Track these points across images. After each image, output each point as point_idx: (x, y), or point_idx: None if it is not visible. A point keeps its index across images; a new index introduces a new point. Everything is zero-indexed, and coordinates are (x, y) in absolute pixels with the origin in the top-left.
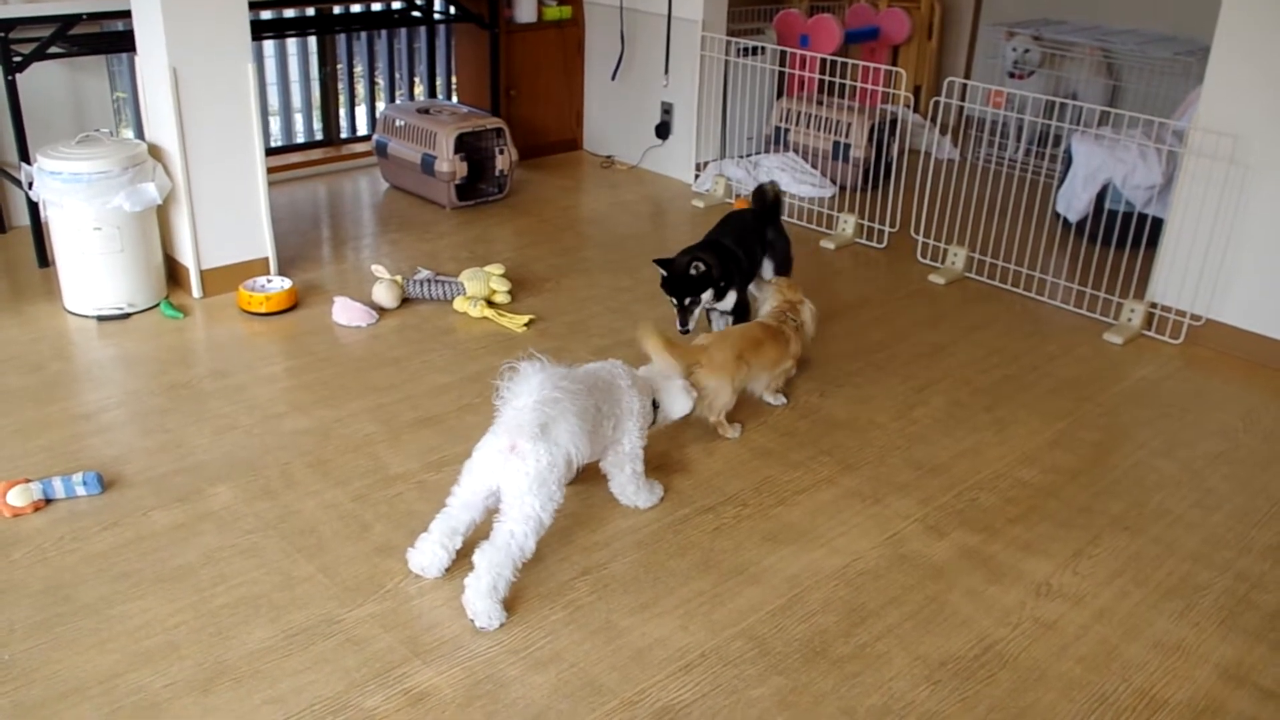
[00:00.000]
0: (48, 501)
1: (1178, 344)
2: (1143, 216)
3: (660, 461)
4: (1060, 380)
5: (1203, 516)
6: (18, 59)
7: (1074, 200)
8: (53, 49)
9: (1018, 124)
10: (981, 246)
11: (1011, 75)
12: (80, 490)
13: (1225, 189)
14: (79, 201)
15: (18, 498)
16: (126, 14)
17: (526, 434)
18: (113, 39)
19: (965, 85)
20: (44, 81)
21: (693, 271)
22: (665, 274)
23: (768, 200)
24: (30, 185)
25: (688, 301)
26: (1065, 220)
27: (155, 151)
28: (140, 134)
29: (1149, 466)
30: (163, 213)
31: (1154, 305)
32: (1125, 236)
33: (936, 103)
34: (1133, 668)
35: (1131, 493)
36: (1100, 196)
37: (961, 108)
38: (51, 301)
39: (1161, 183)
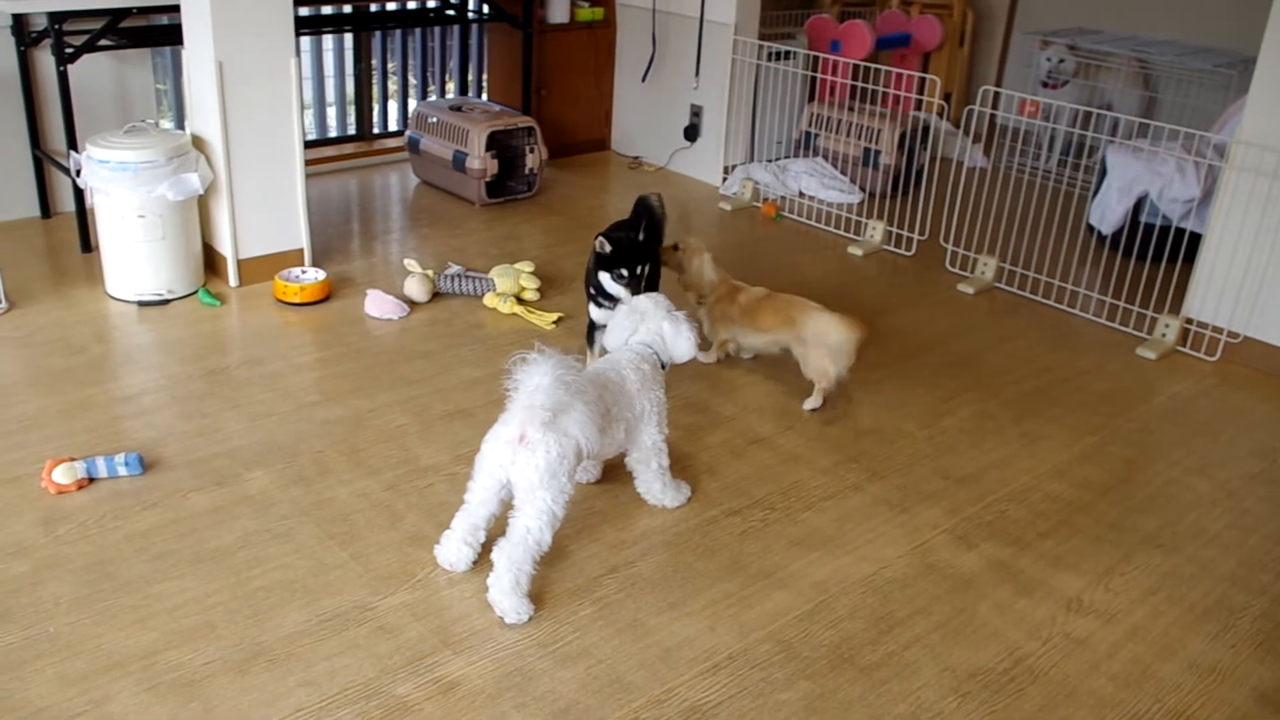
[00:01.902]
0: (91, 480)
1: (1213, 361)
2: (1179, 230)
3: (687, 463)
4: (1091, 394)
5: (1239, 538)
6: (69, 50)
7: (1108, 212)
8: (102, 41)
9: (1051, 134)
10: (1012, 257)
11: (1045, 84)
12: (122, 470)
13: (1268, 204)
14: (124, 190)
15: (63, 475)
16: (173, 8)
17: (537, 422)
18: (160, 32)
19: (999, 94)
20: (92, 73)
21: (641, 237)
22: (610, 249)
23: (654, 215)
24: (78, 173)
25: (639, 270)
26: (1098, 232)
27: (198, 143)
28: (180, 124)
29: (1183, 485)
30: (203, 202)
31: (1189, 321)
32: (1161, 250)
33: (969, 111)
34: (1167, 688)
35: (1165, 511)
36: (1135, 209)
37: (993, 116)
38: (93, 286)
39: (1199, 196)
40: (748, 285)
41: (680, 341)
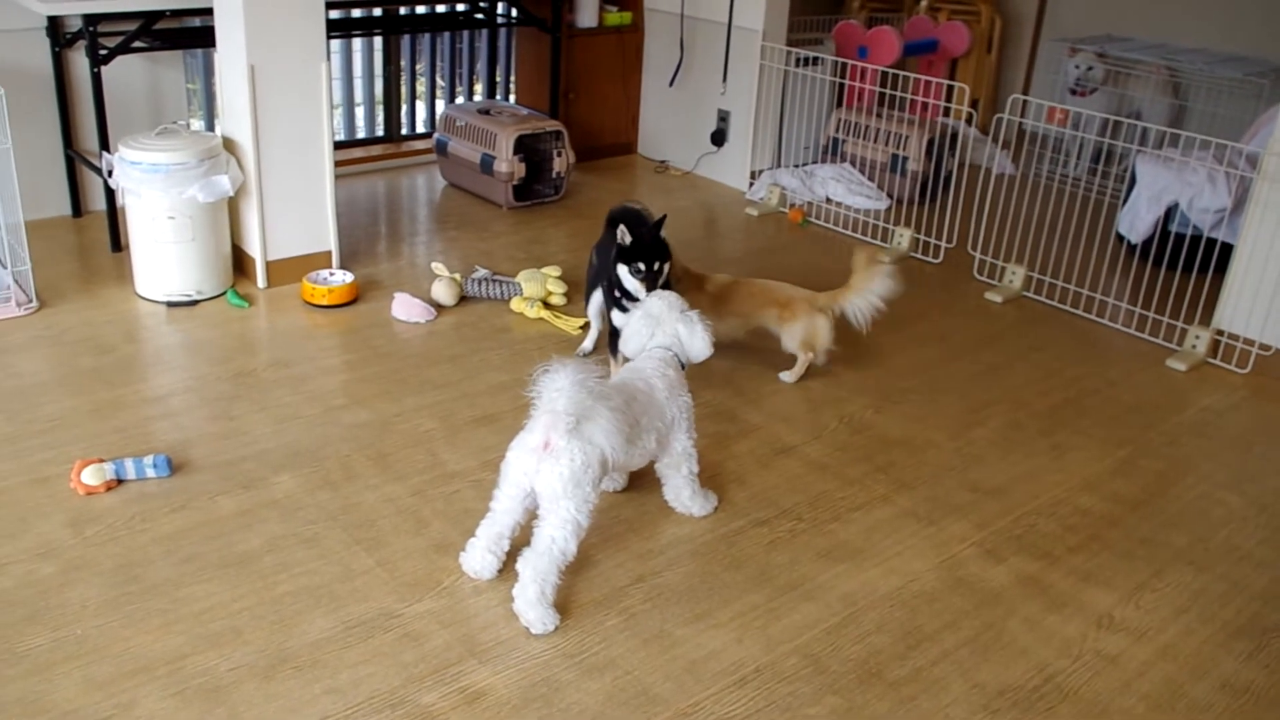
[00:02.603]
0: (119, 481)
1: (1244, 373)
2: (1209, 240)
3: (714, 472)
4: (1121, 406)
5: (1272, 555)
6: (103, 52)
7: (1137, 221)
8: (136, 43)
9: (1079, 142)
10: (1040, 266)
11: (1073, 92)
12: (150, 472)
13: None
14: (156, 191)
15: (91, 476)
16: (206, 11)
17: (561, 429)
18: (192, 34)
19: (1027, 102)
20: (124, 73)
21: (662, 234)
22: (631, 241)
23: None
24: (110, 173)
25: (657, 266)
26: (1127, 242)
27: (229, 144)
28: (210, 125)
29: (1214, 499)
30: (233, 204)
31: (1220, 332)
32: (1191, 260)
33: (998, 118)
34: (1199, 709)
35: (1196, 526)
36: (1165, 218)
37: (1022, 124)
38: (123, 286)
39: (1230, 206)
40: (710, 273)
41: (696, 341)
